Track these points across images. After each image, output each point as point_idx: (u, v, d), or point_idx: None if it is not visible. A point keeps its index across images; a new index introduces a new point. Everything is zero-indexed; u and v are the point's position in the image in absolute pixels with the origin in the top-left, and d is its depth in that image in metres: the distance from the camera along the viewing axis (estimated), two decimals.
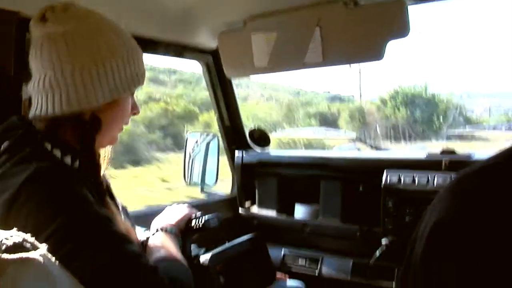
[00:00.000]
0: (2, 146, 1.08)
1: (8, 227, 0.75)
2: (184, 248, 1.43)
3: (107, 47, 1.11)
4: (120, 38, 1.16)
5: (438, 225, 0.59)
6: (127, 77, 1.15)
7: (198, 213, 1.51)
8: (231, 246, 1.61)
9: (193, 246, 1.52)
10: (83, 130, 1.12)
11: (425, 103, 18.33)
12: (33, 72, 1.11)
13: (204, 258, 1.45)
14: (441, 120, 17.11)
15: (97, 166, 1.19)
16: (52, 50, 1.07)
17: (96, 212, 1.04)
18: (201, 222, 1.48)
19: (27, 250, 0.72)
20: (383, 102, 18.69)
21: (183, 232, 1.42)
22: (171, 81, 18.97)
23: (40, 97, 1.09)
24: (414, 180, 1.79)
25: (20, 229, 0.76)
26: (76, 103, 1.07)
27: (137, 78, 1.18)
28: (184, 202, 2.28)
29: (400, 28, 1.59)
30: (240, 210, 2.40)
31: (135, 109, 1.25)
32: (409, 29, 1.58)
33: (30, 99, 1.13)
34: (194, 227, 1.48)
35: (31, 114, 1.11)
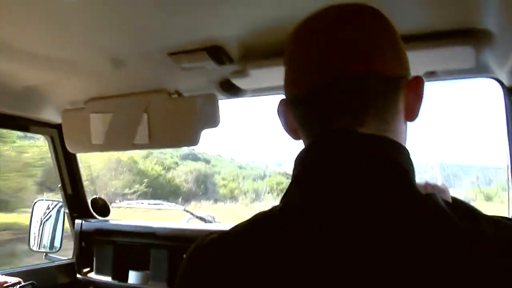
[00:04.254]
0: None
1: None
2: None
3: None
4: None
5: None
6: None
7: (13, 281, 1.54)
8: None
9: None
10: None
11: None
12: None
13: None
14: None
15: None
16: None
17: None
18: None
19: None
20: None
21: None
22: None
23: None
24: None
25: None
26: None
27: None
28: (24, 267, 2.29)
29: (213, 118, 1.79)
30: (78, 276, 2.42)
31: None
32: (219, 120, 1.79)
33: None
34: None
35: None
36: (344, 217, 0.60)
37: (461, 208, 0.62)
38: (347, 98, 0.66)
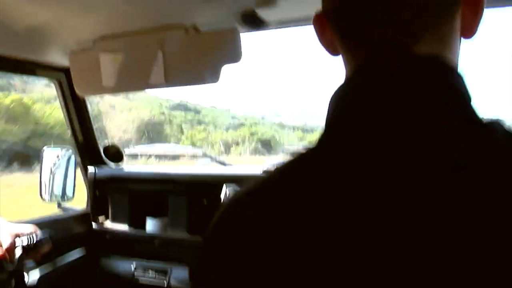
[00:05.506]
0: None
1: None
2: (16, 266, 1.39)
3: None
4: None
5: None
6: None
7: (28, 231, 1.47)
8: (60, 265, 1.58)
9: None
10: None
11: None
12: None
13: (32, 279, 1.41)
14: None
15: None
16: None
17: None
18: (32, 241, 1.45)
19: None
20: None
21: (11, 251, 1.37)
22: None
23: None
24: None
25: None
26: None
27: None
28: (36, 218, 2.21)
29: (234, 54, 1.65)
30: (94, 225, 2.34)
31: None
32: (241, 55, 1.65)
33: None
34: (26, 247, 1.44)
35: None
36: (400, 155, 0.51)
37: None
38: (402, 11, 0.56)
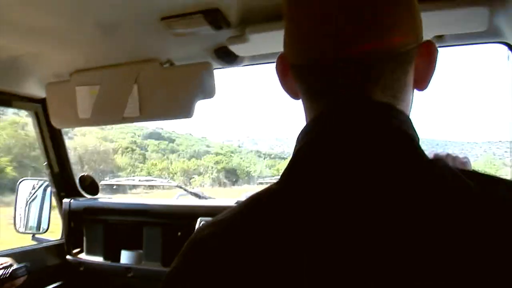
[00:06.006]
0: None
1: None
2: None
3: None
4: None
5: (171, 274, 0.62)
6: None
7: (5, 262, 1.46)
8: None
9: None
10: None
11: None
12: None
13: None
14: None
15: None
16: None
17: None
18: (7, 272, 1.44)
19: None
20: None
21: None
22: None
23: None
24: None
25: None
26: None
27: None
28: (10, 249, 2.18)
29: (208, 88, 1.68)
30: (68, 257, 2.31)
31: None
32: (215, 90, 1.68)
33: None
34: (1, 278, 1.43)
35: None
36: (352, 193, 0.54)
37: (479, 174, 0.57)
38: (357, 74, 0.60)
